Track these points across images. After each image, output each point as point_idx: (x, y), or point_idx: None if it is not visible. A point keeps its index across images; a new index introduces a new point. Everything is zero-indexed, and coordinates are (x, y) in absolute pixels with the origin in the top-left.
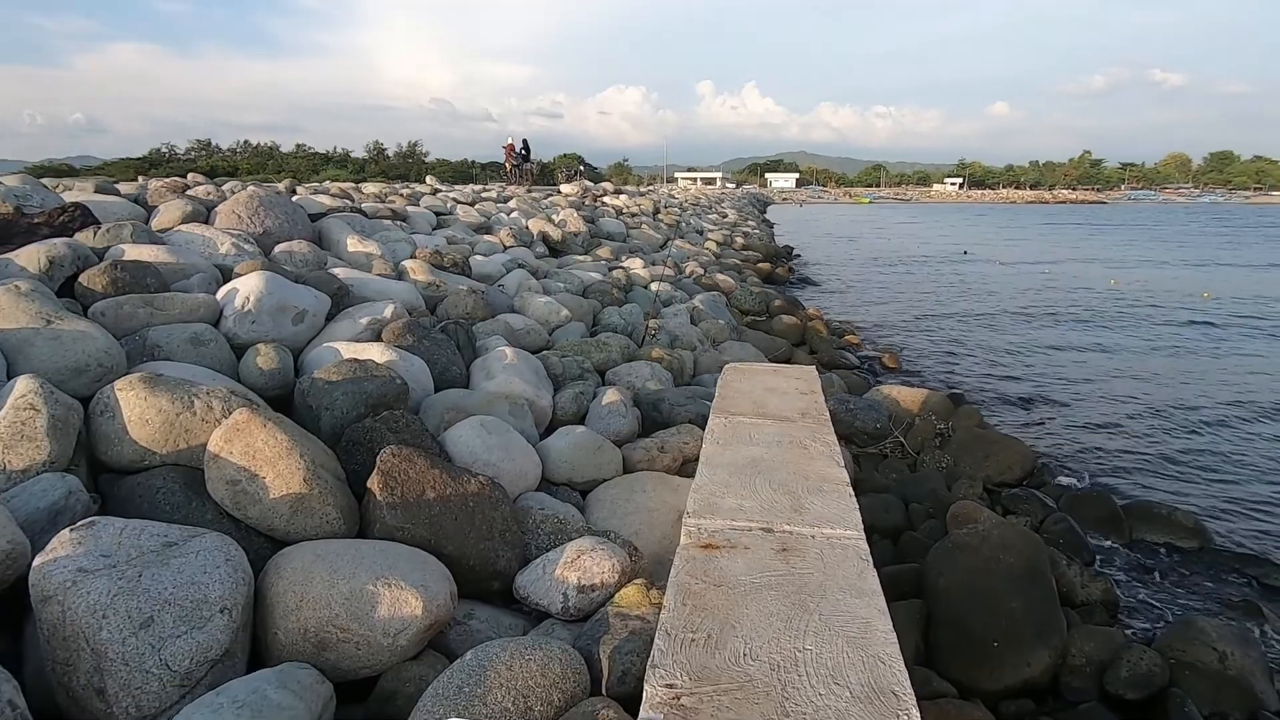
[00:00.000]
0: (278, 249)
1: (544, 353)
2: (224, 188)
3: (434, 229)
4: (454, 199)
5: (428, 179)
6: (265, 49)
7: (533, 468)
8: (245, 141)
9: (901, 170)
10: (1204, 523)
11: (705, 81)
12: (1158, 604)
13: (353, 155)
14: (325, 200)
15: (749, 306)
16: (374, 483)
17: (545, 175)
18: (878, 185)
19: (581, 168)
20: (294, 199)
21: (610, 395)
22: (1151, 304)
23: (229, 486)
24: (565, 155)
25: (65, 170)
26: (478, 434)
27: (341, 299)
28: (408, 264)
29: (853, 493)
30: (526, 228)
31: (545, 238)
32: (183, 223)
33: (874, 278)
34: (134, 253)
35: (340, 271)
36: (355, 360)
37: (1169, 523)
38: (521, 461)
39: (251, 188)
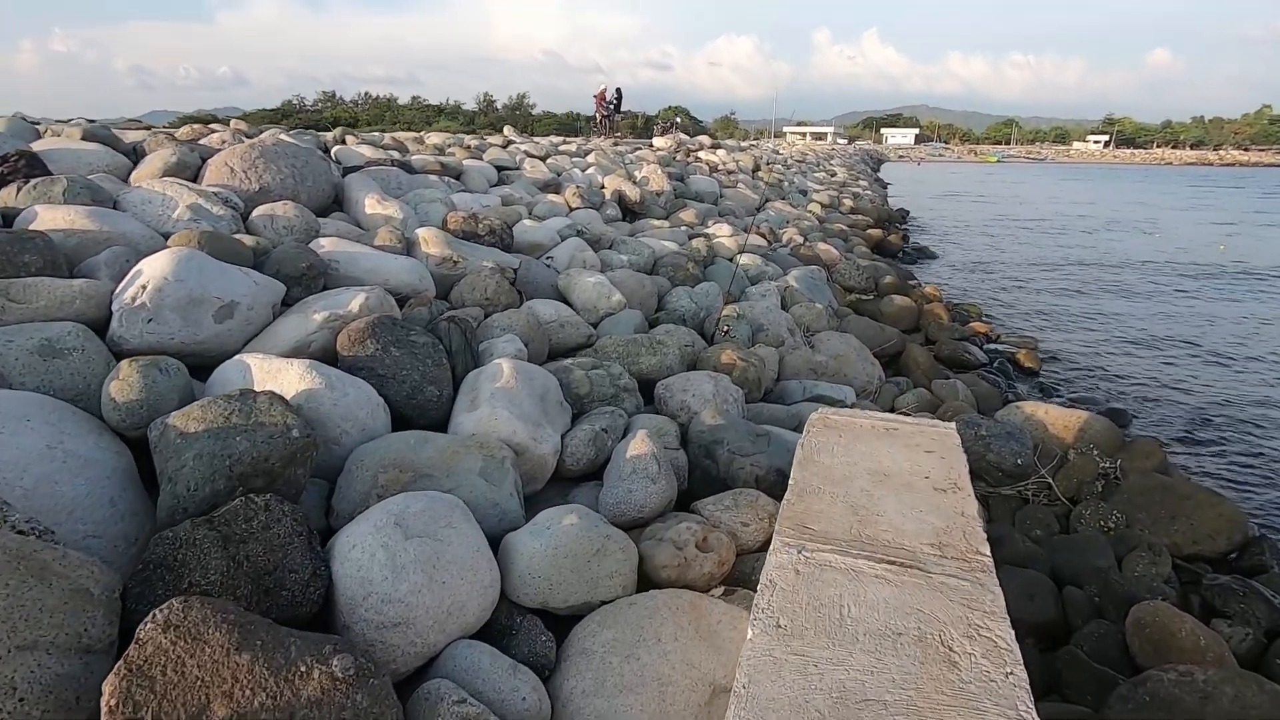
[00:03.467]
0: (256, 213)
1: (566, 362)
2: (261, 136)
3: (493, 186)
4: (525, 151)
5: (505, 129)
6: (386, 2)
7: (478, 595)
8: (365, 93)
9: (1036, 126)
10: None
11: (822, 30)
12: None
13: (464, 107)
14: (366, 152)
15: (854, 283)
16: (110, 689)
17: (648, 128)
18: (1007, 143)
19: (678, 119)
20: (334, 150)
21: (638, 444)
22: None
23: None
24: (670, 108)
25: (209, 119)
26: (381, 543)
27: (312, 282)
28: (421, 233)
29: None
30: (601, 186)
31: (621, 198)
32: (165, 175)
33: (1003, 250)
34: (49, 217)
35: (327, 243)
36: (241, 395)
37: None
38: (459, 588)
39: (280, 134)
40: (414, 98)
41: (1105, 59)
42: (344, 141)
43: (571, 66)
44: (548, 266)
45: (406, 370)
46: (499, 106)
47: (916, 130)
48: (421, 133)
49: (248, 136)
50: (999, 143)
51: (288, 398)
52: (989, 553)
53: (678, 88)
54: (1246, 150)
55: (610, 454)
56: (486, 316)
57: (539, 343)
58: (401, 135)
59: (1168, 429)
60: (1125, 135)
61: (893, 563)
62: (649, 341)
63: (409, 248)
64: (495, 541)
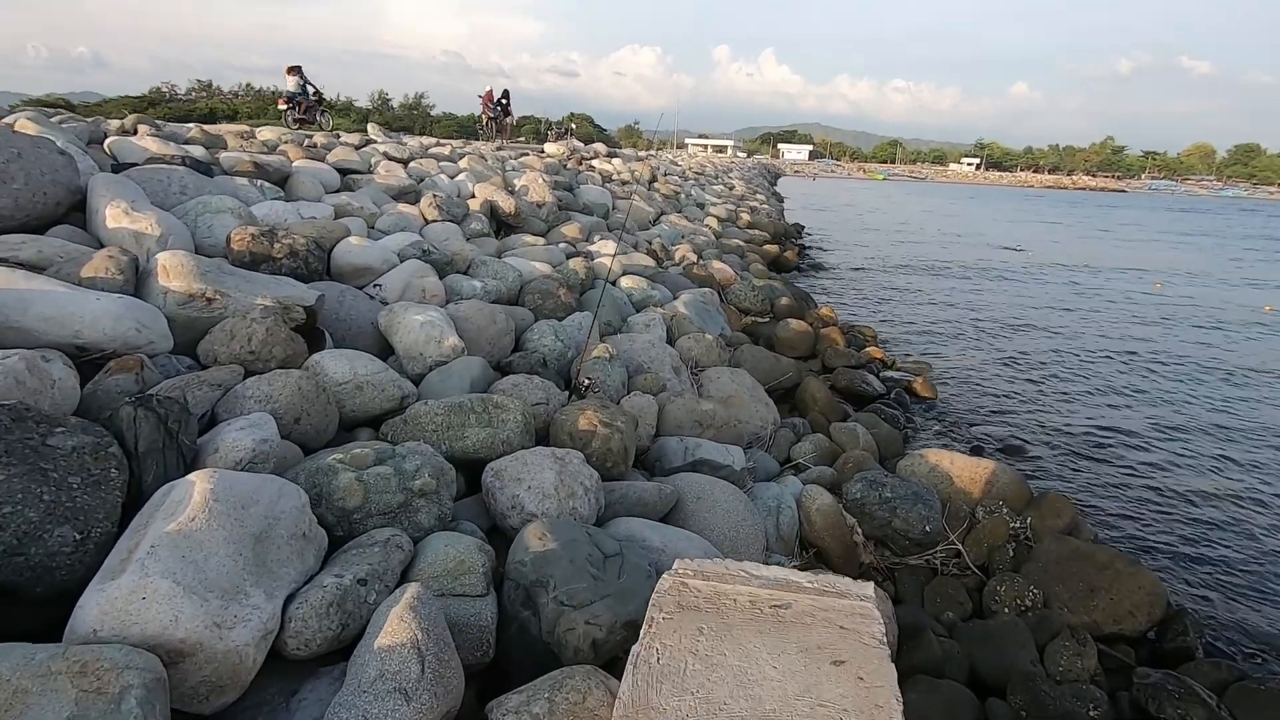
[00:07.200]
0: None
1: (331, 459)
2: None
3: (332, 191)
4: (384, 153)
5: (369, 127)
6: None
7: None
8: (247, 84)
9: (917, 148)
10: None
11: (722, 46)
12: None
13: (356, 104)
14: (152, 146)
15: (750, 305)
16: None
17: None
18: (892, 161)
19: (573, 125)
20: (109, 142)
21: (396, 621)
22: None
23: None
24: (573, 115)
25: (63, 105)
26: None
27: None
28: (161, 259)
29: None
30: (472, 194)
31: (493, 210)
32: None
33: (892, 264)
34: None
35: None
36: None
37: None
38: None
39: (25, 119)
40: None
41: (975, 88)
42: (134, 132)
43: (473, 68)
44: (372, 298)
45: (14, 505)
46: (394, 105)
47: (810, 146)
48: (255, 129)
49: None
50: (885, 161)
51: None
52: None
53: (584, 95)
54: (1094, 176)
55: (365, 625)
56: (246, 379)
57: (319, 416)
58: (225, 128)
59: (1056, 461)
60: (994, 159)
61: None
62: (482, 407)
63: (141, 280)
64: None
